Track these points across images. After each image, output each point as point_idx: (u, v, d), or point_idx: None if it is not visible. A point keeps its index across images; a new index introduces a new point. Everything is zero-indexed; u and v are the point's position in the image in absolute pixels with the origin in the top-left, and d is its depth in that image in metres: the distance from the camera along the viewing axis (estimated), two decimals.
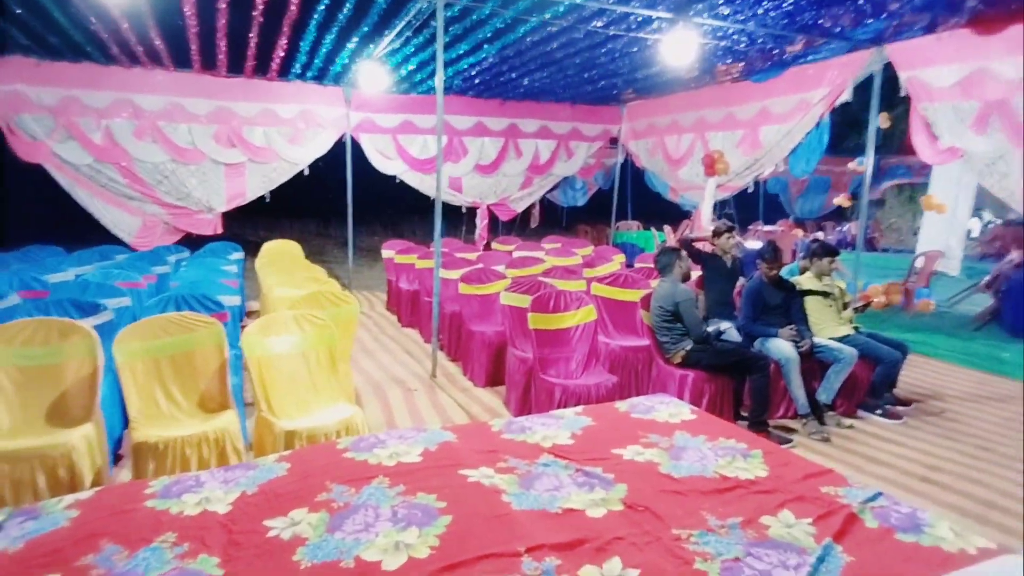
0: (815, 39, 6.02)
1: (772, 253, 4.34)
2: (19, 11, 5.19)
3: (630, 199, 12.72)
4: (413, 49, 6.54)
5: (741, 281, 4.73)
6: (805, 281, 4.59)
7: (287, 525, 1.79)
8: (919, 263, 7.97)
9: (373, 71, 6.88)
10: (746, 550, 1.70)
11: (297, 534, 1.74)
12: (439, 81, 4.79)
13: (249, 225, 11.58)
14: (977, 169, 5.61)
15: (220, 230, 7.96)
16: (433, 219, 4.97)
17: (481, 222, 9.38)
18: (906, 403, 4.47)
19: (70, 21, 5.55)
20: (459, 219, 10.55)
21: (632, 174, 10.91)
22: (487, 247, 8.84)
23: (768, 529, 1.81)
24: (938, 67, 5.67)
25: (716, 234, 4.92)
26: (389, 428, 3.33)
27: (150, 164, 7.43)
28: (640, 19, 5.39)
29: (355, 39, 6.15)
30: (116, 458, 3.28)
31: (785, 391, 4.14)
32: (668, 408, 2.80)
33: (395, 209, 13.72)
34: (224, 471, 2.14)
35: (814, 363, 4.19)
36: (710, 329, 4.05)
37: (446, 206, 9.50)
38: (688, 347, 3.84)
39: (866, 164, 6.37)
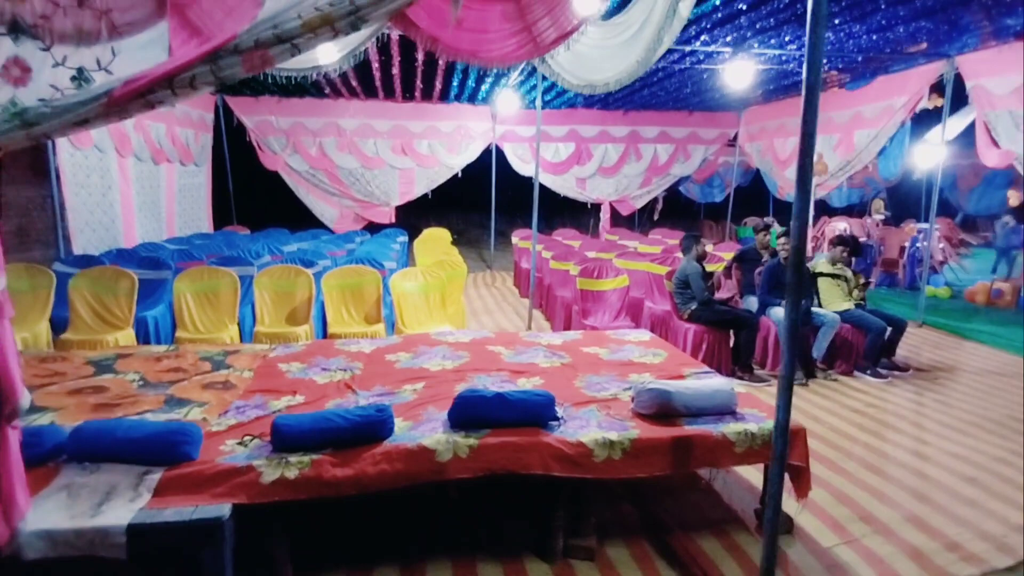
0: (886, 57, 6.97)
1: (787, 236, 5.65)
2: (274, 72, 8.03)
3: (772, 197, 13.59)
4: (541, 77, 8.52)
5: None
6: (820, 265, 5.82)
7: (395, 357, 3.84)
8: None
9: (509, 95, 8.98)
10: (605, 378, 3.41)
11: (399, 360, 3.78)
12: (538, 104, 6.60)
13: (427, 216, 14.23)
14: None
15: (393, 220, 10.62)
16: (564, 212, 6.88)
17: (604, 216, 11.14)
18: (904, 368, 5.52)
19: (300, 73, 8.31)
20: (587, 214, 12.36)
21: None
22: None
23: (629, 377, 3.49)
24: (998, 76, 6.38)
25: (755, 231, 6.28)
26: None
27: (347, 170, 10.26)
28: (703, 55, 6.87)
29: (491, 75, 8.29)
30: None
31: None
32: (637, 335, 4.47)
33: (542, 205, 15.87)
34: (372, 340, 4.27)
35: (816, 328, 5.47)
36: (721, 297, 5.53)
37: (576, 202, 11.48)
38: (693, 307, 5.36)
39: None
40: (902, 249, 9.66)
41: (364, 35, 2.17)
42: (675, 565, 2.72)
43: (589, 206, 11.46)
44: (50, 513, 2.13)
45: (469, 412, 2.65)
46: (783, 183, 9.94)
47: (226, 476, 2.35)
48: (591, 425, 2.77)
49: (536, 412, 2.71)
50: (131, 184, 7.18)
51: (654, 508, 3.19)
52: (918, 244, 9.51)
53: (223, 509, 2.25)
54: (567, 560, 2.73)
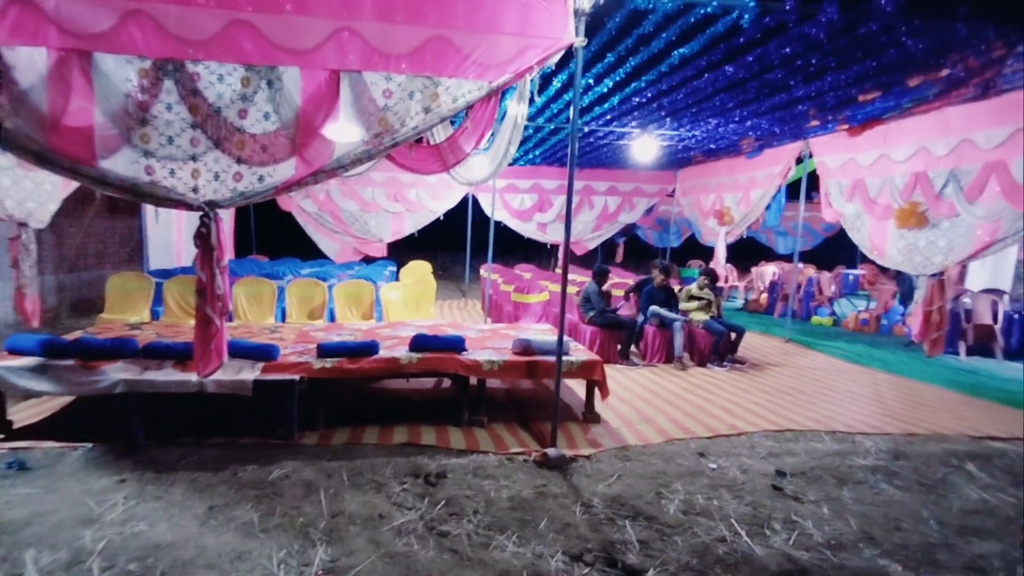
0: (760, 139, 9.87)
1: (664, 272, 8.45)
2: None
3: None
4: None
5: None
6: (692, 289, 8.56)
7: (381, 331, 6.53)
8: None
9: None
10: (505, 341, 6.11)
11: (383, 332, 6.48)
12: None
13: (417, 254, 17.02)
14: (847, 224, 9.06)
15: (386, 254, 13.43)
16: (542, 252, 9.63)
17: (560, 255, 13.97)
18: (742, 362, 8.21)
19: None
20: (548, 253, 15.22)
21: None
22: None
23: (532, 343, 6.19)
24: (832, 155, 9.25)
25: (652, 268, 9.07)
26: None
27: (348, 212, 13.11)
28: (620, 134, 9.78)
29: None
30: None
31: (661, 348, 8.21)
32: (540, 326, 7.19)
33: (519, 245, 18.84)
34: (367, 324, 6.99)
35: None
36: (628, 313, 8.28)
37: (538, 243, 14.32)
38: (591, 314, 8.09)
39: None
40: (799, 286, 12.44)
41: (375, 160, 4.92)
42: (529, 433, 5.37)
43: (549, 246, 14.31)
44: (217, 374, 4.80)
45: (419, 342, 5.36)
46: (705, 231, 12.79)
47: (295, 365, 5.04)
48: (485, 354, 5.48)
49: (453, 344, 5.41)
50: (184, 219, 10.01)
51: (524, 410, 5.87)
52: (813, 285, 12.34)
53: (294, 378, 4.94)
54: (469, 427, 5.38)
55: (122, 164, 4.11)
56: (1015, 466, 4.84)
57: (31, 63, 3.91)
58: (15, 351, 4.91)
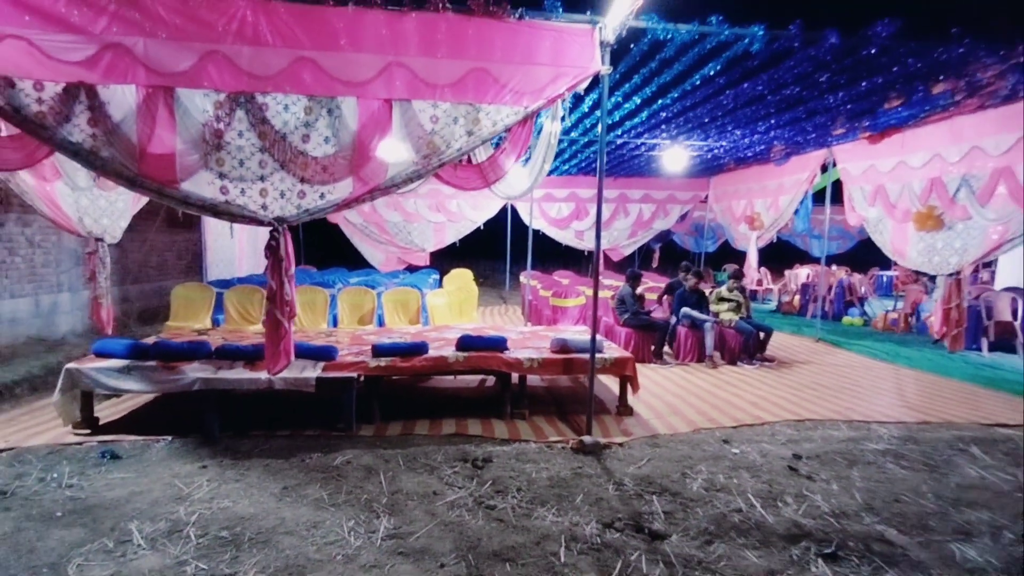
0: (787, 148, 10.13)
1: (696, 276, 8.77)
2: None
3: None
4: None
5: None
6: (724, 290, 8.87)
7: (429, 334, 7.02)
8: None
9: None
10: (544, 341, 6.53)
11: (429, 334, 6.96)
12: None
13: (460, 263, 17.65)
14: (870, 228, 9.24)
15: (428, 262, 13.98)
16: (581, 259, 10.09)
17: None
18: (771, 360, 8.47)
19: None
20: (585, 260, 15.61)
21: None
22: None
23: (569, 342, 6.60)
24: (854, 162, 9.46)
25: (681, 271, 9.40)
26: None
27: (392, 223, 13.70)
28: (651, 145, 10.13)
29: None
30: None
31: (693, 348, 8.52)
32: (577, 328, 7.58)
33: (557, 253, 19.28)
34: (415, 327, 7.49)
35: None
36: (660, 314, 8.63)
37: (575, 250, 14.73)
38: (626, 316, 8.45)
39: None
40: (829, 288, 12.59)
41: (424, 179, 5.42)
42: (567, 424, 5.77)
43: (586, 253, 14.72)
44: (283, 372, 5.33)
45: (465, 342, 5.82)
46: (737, 236, 13.02)
47: (353, 364, 5.54)
48: (525, 353, 5.91)
49: (496, 344, 5.86)
50: (245, 234, 10.70)
51: (562, 404, 6.28)
52: (844, 286, 12.49)
53: (352, 376, 5.44)
54: (512, 419, 5.80)
55: (200, 185, 4.66)
56: (1018, 449, 5.11)
57: (123, 99, 4.48)
58: (102, 354, 5.50)
